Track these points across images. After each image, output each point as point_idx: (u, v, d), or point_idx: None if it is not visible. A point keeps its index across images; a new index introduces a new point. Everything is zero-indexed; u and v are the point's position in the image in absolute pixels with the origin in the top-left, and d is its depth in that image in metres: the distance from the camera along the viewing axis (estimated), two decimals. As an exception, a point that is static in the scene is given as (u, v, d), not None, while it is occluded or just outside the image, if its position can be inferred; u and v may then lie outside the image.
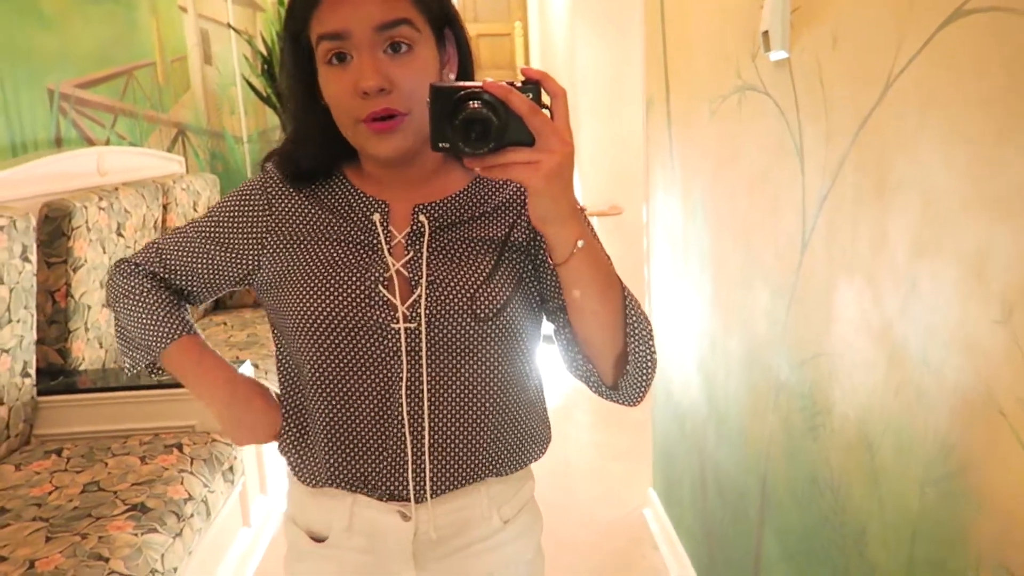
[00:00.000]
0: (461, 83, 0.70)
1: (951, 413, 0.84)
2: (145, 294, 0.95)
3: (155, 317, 0.95)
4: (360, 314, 0.84)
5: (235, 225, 0.92)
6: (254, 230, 0.91)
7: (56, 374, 2.20)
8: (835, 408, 1.13)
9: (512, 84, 0.68)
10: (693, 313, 1.88)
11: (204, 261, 0.94)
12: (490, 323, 0.85)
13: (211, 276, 0.95)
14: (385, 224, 0.87)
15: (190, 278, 0.96)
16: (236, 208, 0.92)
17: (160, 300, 0.95)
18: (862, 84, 0.99)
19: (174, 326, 0.95)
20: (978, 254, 0.78)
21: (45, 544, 1.52)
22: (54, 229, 2.18)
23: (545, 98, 0.69)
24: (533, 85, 0.69)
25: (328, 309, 0.84)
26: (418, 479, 0.88)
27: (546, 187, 0.69)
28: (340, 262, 0.86)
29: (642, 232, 2.37)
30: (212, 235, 0.93)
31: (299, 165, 0.90)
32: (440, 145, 0.69)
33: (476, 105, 0.67)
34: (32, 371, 2.02)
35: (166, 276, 0.97)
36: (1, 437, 1.93)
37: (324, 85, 0.82)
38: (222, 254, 0.93)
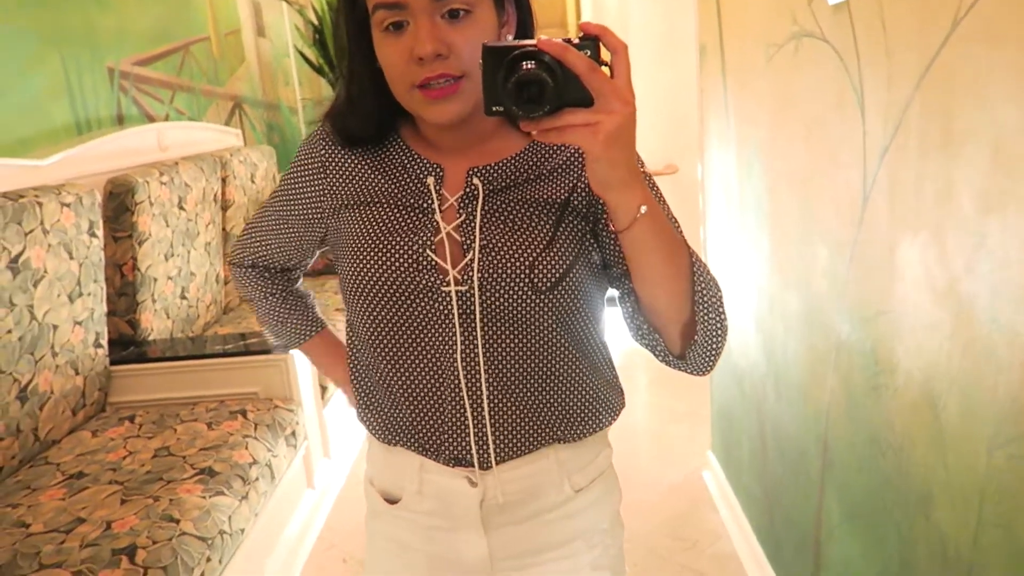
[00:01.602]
0: (514, 42, 0.67)
1: (1022, 373, 0.80)
2: (271, 298, 1.09)
3: (289, 320, 1.10)
4: (408, 277, 0.83)
5: (297, 197, 0.95)
6: (314, 196, 0.93)
7: (127, 344, 2.29)
8: (899, 367, 1.09)
9: (569, 41, 0.64)
10: (750, 271, 1.83)
11: (288, 238, 1.00)
12: (548, 295, 0.83)
13: (300, 248, 1.01)
14: (439, 187, 0.86)
15: (287, 256, 1.04)
16: (295, 179, 0.94)
17: (287, 305, 1.10)
18: (927, 24, 0.93)
19: (307, 325, 1.11)
20: (1053, 203, 0.73)
21: (120, 506, 1.60)
22: (118, 204, 2.25)
23: (605, 55, 0.65)
24: (591, 41, 0.65)
25: (377, 273, 0.84)
26: (481, 445, 0.87)
27: (605, 151, 0.65)
28: (390, 225, 0.85)
29: (697, 190, 2.30)
30: (283, 213, 0.98)
31: (350, 128, 0.89)
32: (494, 109, 0.66)
33: (530, 66, 0.64)
34: (104, 342, 2.11)
35: (270, 263, 1.06)
36: (78, 405, 2.02)
37: (380, 51, 0.81)
38: (298, 227, 0.97)
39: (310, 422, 2.31)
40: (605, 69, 0.65)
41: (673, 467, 2.53)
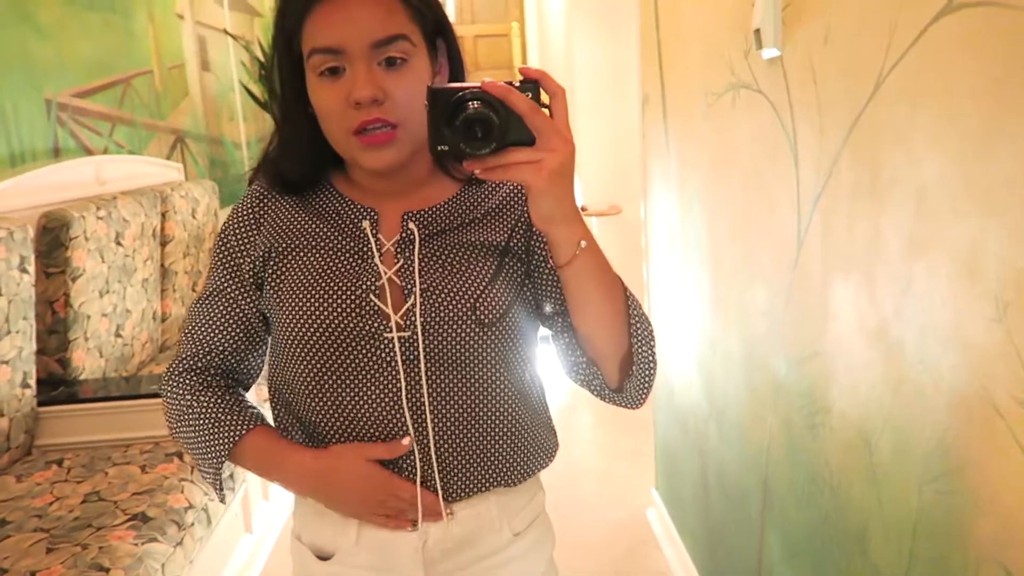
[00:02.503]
0: (459, 84, 0.69)
1: (949, 412, 0.84)
2: (196, 399, 0.89)
3: (212, 420, 0.88)
4: (352, 323, 0.83)
5: (233, 261, 0.90)
6: (251, 253, 0.89)
7: (57, 384, 2.20)
8: (833, 407, 1.12)
9: (511, 84, 0.67)
10: (692, 312, 1.88)
11: (230, 316, 0.90)
12: (492, 328, 0.84)
13: (246, 327, 0.91)
14: (375, 231, 0.86)
15: (233, 343, 0.91)
16: (228, 245, 0.90)
17: (212, 400, 0.89)
18: (854, 80, 0.98)
19: (236, 422, 0.88)
20: (971, 250, 0.78)
21: (46, 555, 1.52)
22: (52, 239, 2.18)
23: (544, 97, 0.69)
24: (532, 84, 0.68)
25: (319, 318, 0.83)
26: (426, 489, 0.87)
27: (549, 187, 0.68)
28: (331, 271, 0.85)
29: (640, 230, 2.36)
30: (220, 287, 0.90)
31: (284, 172, 0.89)
32: (439, 148, 0.68)
33: (477, 105, 0.66)
34: (32, 382, 2.02)
35: (209, 359, 0.91)
36: (2, 448, 1.93)
37: (315, 96, 0.81)
38: (239, 297, 0.90)
39: (249, 464, 2.24)
40: (545, 110, 0.68)
41: (618, 505, 2.54)
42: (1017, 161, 0.70)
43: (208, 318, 0.91)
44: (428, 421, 0.85)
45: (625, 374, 0.85)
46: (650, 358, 0.84)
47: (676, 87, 1.87)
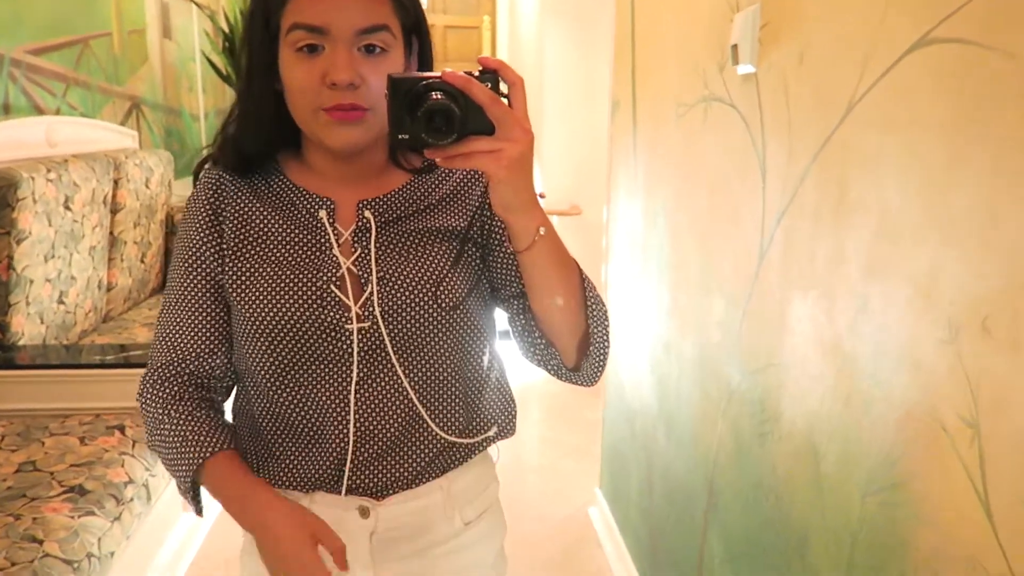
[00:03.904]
0: (420, 74, 0.70)
1: (896, 427, 0.88)
2: (167, 412, 0.87)
3: (180, 438, 0.86)
4: (314, 316, 0.84)
5: (196, 255, 0.88)
6: (212, 245, 0.88)
7: (-7, 349, 2.13)
8: (783, 416, 1.16)
9: (470, 73, 0.68)
10: (649, 315, 1.91)
11: (198, 316, 0.89)
12: (452, 313, 0.85)
13: (215, 320, 0.89)
14: (332, 221, 0.87)
15: (201, 346, 0.89)
16: (192, 237, 0.89)
17: (183, 415, 0.87)
18: (826, 104, 1.02)
19: (202, 443, 0.85)
20: (928, 275, 0.81)
21: (-24, 525, 1.47)
22: (-2, 199, 2.10)
23: (503, 87, 0.70)
24: (491, 74, 0.69)
25: (281, 311, 0.83)
26: (376, 475, 0.87)
27: (508, 175, 0.70)
28: (290, 263, 0.85)
29: (601, 232, 2.39)
30: (186, 282, 0.89)
31: (242, 149, 0.88)
32: (400, 137, 0.69)
33: (438, 96, 0.67)
34: (-32, 345, 1.95)
35: (183, 366, 0.89)
36: (-68, 412, 1.85)
37: (287, 70, 0.81)
38: (206, 291, 0.88)
39: (192, 442, 2.20)
40: (504, 100, 0.69)
41: (561, 502, 2.57)
42: (979, 193, 0.74)
43: (177, 324, 0.89)
44: (380, 409, 0.86)
45: (582, 353, 0.88)
46: (605, 337, 0.87)
47: (648, 94, 1.90)
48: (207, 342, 0.89)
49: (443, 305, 0.85)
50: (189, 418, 0.87)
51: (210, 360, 0.90)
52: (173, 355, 0.89)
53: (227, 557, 2.18)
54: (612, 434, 2.30)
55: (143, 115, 3.53)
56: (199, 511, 0.93)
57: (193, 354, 0.89)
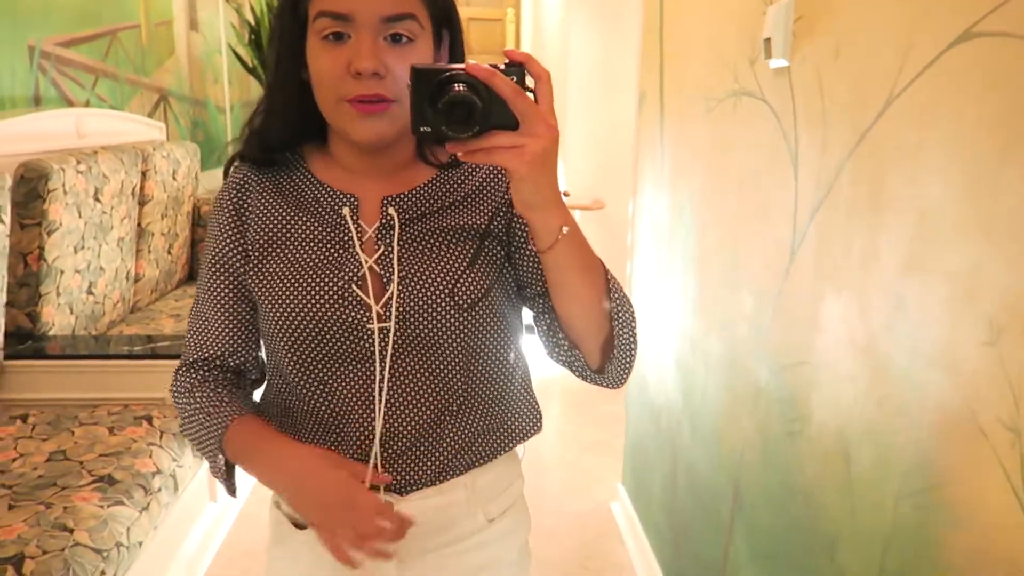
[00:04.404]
0: (443, 65, 0.69)
1: (932, 429, 0.86)
2: (193, 396, 0.90)
3: (204, 414, 0.88)
4: (336, 315, 0.83)
5: (223, 254, 0.90)
6: (237, 244, 0.89)
7: (25, 338, 2.16)
8: (814, 416, 1.14)
9: (495, 67, 0.67)
10: (674, 311, 1.89)
11: (225, 315, 0.90)
12: (470, 312, 0.84)
13: (242, 325, 0.90)
14: (355, 218, 0.86)
15: (229, 344, 0.90)
16: (216, 237, 0.90)
17: (206, 395, 0.89)
18: (863, 98, 1.00)
19: (226, 414, 0.87)
20: (969, 275, 0.79)
21: (8, 512, 1.49)
22: (30, 191, 2.12)
23: (529, 81, 0.68)
24: (517, 68, 0.67)
25: (304, 310, 0.83)
26: (400, 472, 0.87)
27: (530, 172, 0.68)
28: (313, 262, 0.85)
29: (626, 227, 2.37)
30: (214, 284, 0.90)
31: (267, 140, 0.88)
32: (421, 129, 0.67)
33: (460, 88, 0.65)
34: (0, 333, 1.98)
35: (212, 362, 0.91)
36: (-35, 400, 1.89)
37: (313, 59, 0.81)
38: (233, 289, 0.90)
39: (218, 432, 2.22)
40: (530, 95, 0.67)
41: (583, 497, 2.57)
42: None
43: (205, 322, 0.91)
44: (403, 408, 0.86)
45: (606, 356, 0.86)
46: (631, 340, 0.85)
47: (676, 88, 1.88)
48: (233, 342, 0.91)
49: (460, 305, 0.84)
50: (212, 396, 0.89)
51: (236, 358, 0.92)
52: (201, 353, 0.92)
53: (252, 549, 2.20)
54: (635, 430, 2.29)
55: (170, 107, 3.56)
56: (231, 490, 0.94)
57: (219, 352, 0.91)
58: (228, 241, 0.90)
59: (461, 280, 0.84)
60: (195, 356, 0.92)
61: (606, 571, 2.17)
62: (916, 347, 0.89)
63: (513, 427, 0.94)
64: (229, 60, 4.25)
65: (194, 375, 0.92)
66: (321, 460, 0.83)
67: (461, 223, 0.87)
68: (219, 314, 0.91)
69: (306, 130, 0.88)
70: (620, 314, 0.83)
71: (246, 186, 0.90)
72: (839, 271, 1.07)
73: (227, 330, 0.91)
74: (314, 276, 0.84)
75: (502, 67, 0.67)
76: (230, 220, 0.90)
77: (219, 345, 0.91)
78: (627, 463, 2.40)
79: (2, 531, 1.43)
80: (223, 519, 2.28)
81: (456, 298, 0.83)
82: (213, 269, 0.91)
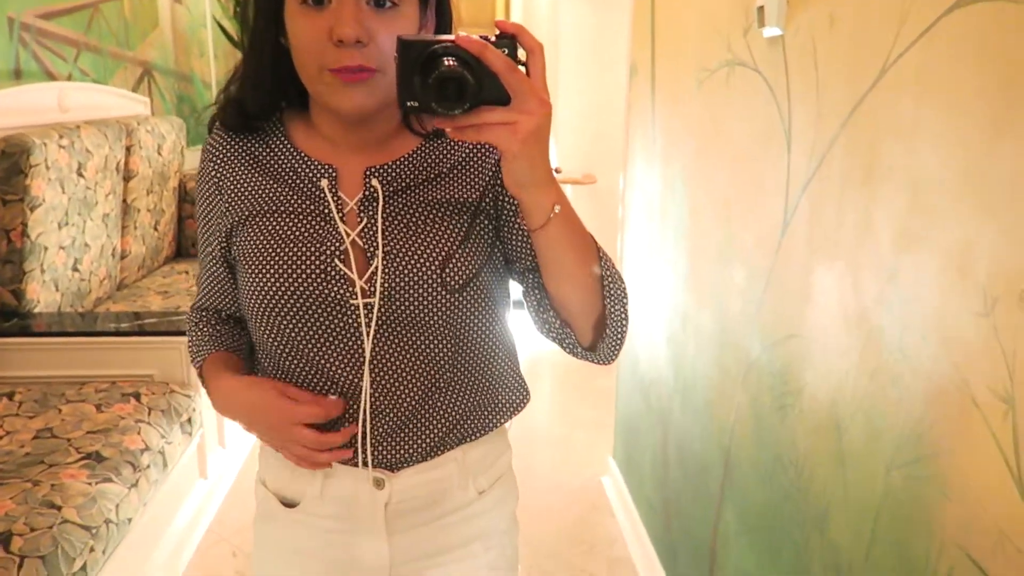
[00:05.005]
0: (432, 36, 0.66)
1: (924, 400, 0.86)
2: (191, 333, 0.97)
3: (199, 340, 0.95)
4: (317, 290, 0.81)
5: (208, 225, 0.91)
6: (217, 217, 0.89)
7: (10, 315, 2.13)
8: (805, 389, 1.14)
9: (487, 38, 0.64)
10: (665, 286, 1.89)
11: (218, 272, 0.93)
12: (460, 293, 0.82)
13: (229, 280, 0.93)
14: (334, 190, 0.83)
15: (225, 297, 0.95)
16: (202, 208, 0.91)
17: (201, 332, 0.96)
18: (857, 68, 0.98)
19: (212, 346, 0.94)
20: (964, 246, 0.79)
21: (-5, 490, 1.48)
22: (11, 165, 2.09)
23: (521, 54, 0.66)
24: (508, 39, 0.65)
25: (283, 287, 0.81)
26: (390, 449, 0.87)
27: (523, 150, 0.65)
28: (293, 236, 0.82)
29: (617, 202, 2.36)
30: (206, 243, 0.92)
31: (244, 107, 0.85)
32: (408, 104, 0.65)
33: (451, 63, 0.63)
34: (-16, 311, 1.96)
35: (211, 306, 0.97)
36: (-50, 378, 1.87)
37: (292, 25, 0.77)
38: (221, 254, 0.90)
39: (207, 409, 2.21)
40: (522, 68, 0.65)
41: (574, 472, 2.58)
42: (1019, 161, 0.71)
43: (203, 274, 0.95)
44: (391, 384, 0.84)
45: (598, 334, 0.84)
46: (623, 317, 0.83)
47: (667, 59, 1.86)
48: (227, 299, 0.95)
49: (450, 286, 0.82)
50: (200, 332, 0.96)
51: (231, 311, 0.97)
52: (202, 302, 0.98)
53: (242, 525, 2.20)
54: (626, 406, 2.29)
55: (155, 81, 3.51)
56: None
57: (216, 305, 0.96)
58: (210, 210, 0.89)
59: (452, 259, 0.81)
60: (201, 301, 0.98)
61: (597, 545, 2.18)
62: (909, 319, 0.88)
63: (502, 403, 0.93)
64: (214, 33, 4.18)
65: (197, 316, 0.98)
66: (254, 388, 0.86)
67: (448, 196, 0.84)
68: (213, 274, 0.93)
69: (286, 96, 0.85)
70: (613, 291, 0.81)
71: (222, 155, 0.87)
72: (832, 244, 1.06)
73: (222, 289, 0.94)
74: (293, 249, 0.81)
75: (493, 39, 0.64)
76: (210, 190, 0.88)
77: (216, 299, 0.95)
78: (618, 437, 2.40)
79: (-11, 509, 1.42)
80: (213, 496, 2.27)
81: (446, 279, 0.81)
82: (204, 234, 0.92)
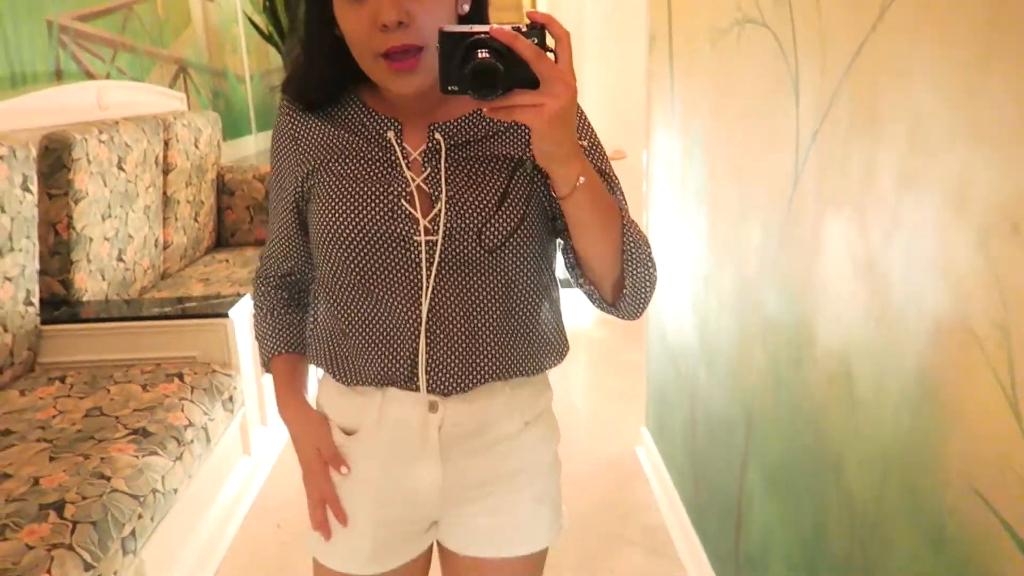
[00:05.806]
0: (469, 28, 0.73)
1: (928, 338, 0.86)
2: (257, 307, 1.08)
3: (266, 330, 1.06)
4: (385, 226, 0.89)
5: (284, 177, 0.98)
6: (295, 170, 0.96)
7: (59, 304, 2.23)
8: (818, 339, 1.15)
9: (517, 28, 0.71)
10: (689, 254, 1.89)
11: (288, 235, 1.01)
12: (513, 236, 0.89)
13: (303, 245, 1.01)
14: (400, 141, 0.91)
15: (292, 262, 1.04)
16: (277, 162, 0.98)
17: (273, 316, 1.06)
18: (857, 12, 0.98)
19: (278, 342, 1.05)
20: (958, 180, 0.79)
21: (49, 463, 1.57)
22: (55, 161, 2.18)
23: (550, 41, 0.72)
24: (538, 29, 0.72)
25: (354, 221, 0.89)
26: (445, 375, 0.92)
27: (549, 129, 0.72)
28: (364, 176, 0.90)
29: (641, 179, 2.36)
30: (278, 206, 1.00)
31: (306, 92, 0.94)
32: (449, 88, 0.73)
33: (484, 55, 0.70)
34: (35, 300, 2.06)
35: (280, 273, 1.06)
36: (5, 364, 1.97)
37: (341, 20, 0.85)
38: (293, 216, 0.99)
39: (248, 388, 2.29)
40: (550, 55, 0.72)
41: (608, 443, 2.60)
42: (1009, 91, 0.71)
43: (273, 235, 1.03)
44: (447, 317, 0.91)
45: (617, 293, 0.91)
46: (645, 279, 0.89)
47: (683, 24, 1.85)
48: (295, 258, 1.03)
49: (485, 245, 0.88)
50: (269, 317, 1.06)
51: (299, 272, 1.05)
52: (271, 267, 1.06)
53: (285, 497, 2.28)
54: (656, 377, 2.30)
55: (190, 78, 3.60)
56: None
57: (288, 268, 1.05)
58: (286, 166, 0.96)
59: (490, 219, 0.89)
60: (267, 267, 1.07)
61: (633, 511, 2.20)
62: (912, 258, 0.89)
63: (546, 349, 0.98)
64: (246, 29, 4.27)
65: (263, 285, 1.07)
66: (306, 427, 1.01)
67: (503, 152, 0.91)
68: (283, 232, 1.01)
69: (347, 77, 0.92)
70: (634, 255, 0.87)
71: (297, 113, 0.96)
72: (839, 192, 1.06)
73: (292, 248, 1.02)
74: (365, 189, 0.90)
75: (524, 28, 0.72)
76: (287, 148, 0.96)
77: (283, 262, 1.04)
78: (650, 408, 2.42)
79: (44, 480, 1.50)
80: (257, 471, 2.35)
81: (482, 238, 0.88)
82: (277, 193, 0.99)
